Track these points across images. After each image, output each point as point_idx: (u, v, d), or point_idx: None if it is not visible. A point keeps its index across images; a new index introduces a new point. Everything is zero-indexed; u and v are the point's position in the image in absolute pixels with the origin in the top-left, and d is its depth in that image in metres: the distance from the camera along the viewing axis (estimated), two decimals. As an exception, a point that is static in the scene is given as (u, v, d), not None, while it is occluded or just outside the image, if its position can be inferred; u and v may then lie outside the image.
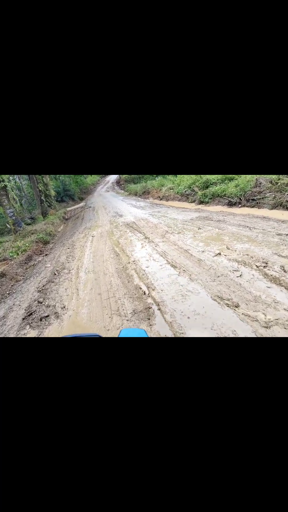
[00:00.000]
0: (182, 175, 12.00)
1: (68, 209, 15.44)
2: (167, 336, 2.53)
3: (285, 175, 6.80)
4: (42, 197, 13.91)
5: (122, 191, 19.18)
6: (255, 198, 7.49)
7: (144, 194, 14.64)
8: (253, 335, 2.26)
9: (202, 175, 10.29)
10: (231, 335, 2.28)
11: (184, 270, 3.95)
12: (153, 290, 3.55)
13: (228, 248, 4.45)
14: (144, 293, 3.52)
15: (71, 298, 3.94)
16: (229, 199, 8.15)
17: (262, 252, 4.00)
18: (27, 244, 8.55)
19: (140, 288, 3.67)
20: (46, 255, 7.84)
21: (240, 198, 7.76)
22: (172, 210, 9.11)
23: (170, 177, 13.76)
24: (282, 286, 3.03)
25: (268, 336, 2.23)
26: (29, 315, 3.70)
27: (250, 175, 7.90)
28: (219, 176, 9.46)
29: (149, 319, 2.94)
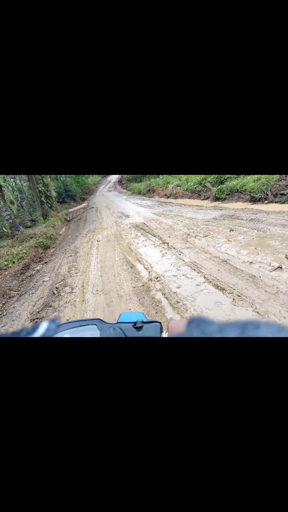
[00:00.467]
0: (190, 171, 10.60)
1: (70, 210, 14.02)
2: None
3: None
4: (43, 198, 12.47)
5: (125, 190, 17.70)
6: (284, 192, 6.12)
7: (149, 192, 13.21)
8: None
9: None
10: None
11: (238, 295, 2.58)
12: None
13: None
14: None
15: (75, 337, 2.59)
16: (252, 194, 6.78)
17: None
18: (24, 251, 7.18)
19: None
20: (46, 263, 6.49)
21: (266, 193, 6.38)
22: (186, 209, 7.71)
23: (176, 174, 12.32)
24: None
25: None
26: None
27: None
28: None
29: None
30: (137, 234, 5.90)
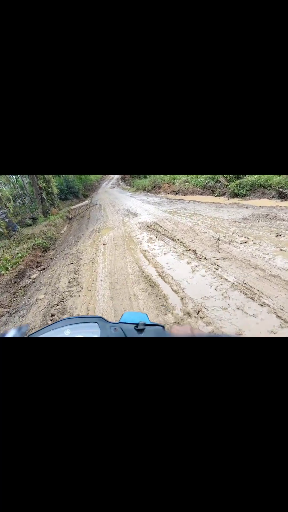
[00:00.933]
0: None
1: (73, 207, 12.68)
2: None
3: None
4: (43, 195, 11.16)
5: (129, 187, 16.32)
6: None
7: (154, 189, 11.91)
8: None
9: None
10: None
11: None
12: None
13: None
14: None
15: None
16: (280, 190, 5.55)
17: None
18: (19, 255, 5.97)
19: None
20: (44, 269, 5.30)
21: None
22: (202, 206, 6.47)
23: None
24: None
25: None
26: None
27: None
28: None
29: None
30: (151, 237, 4.69)
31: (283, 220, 3.94)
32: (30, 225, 10.40)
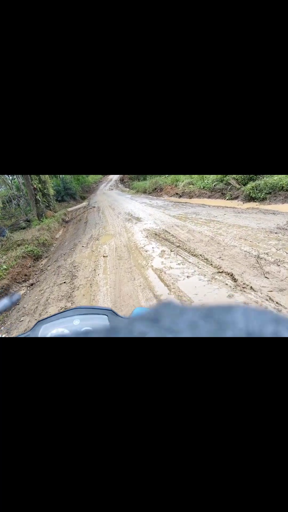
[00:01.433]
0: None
1: (69, 209, 11.47)
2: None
3: None
4: (38, 197, 9.96)
5: (128, 189, 15.15)
6: None
7: (156, 191, 10.81)
8: None
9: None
10: None
11: None
12: None
13: None
14: None
15: None
16: (310, 193, 4.53)
17: None
18: (4, 267, 4.81)
19: None
20: (32, 285, 4.17)
21: None
22: (216, 211, 5.40)
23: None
24: None
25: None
26: None
27: None
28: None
29: None
30: (163, 250, 3.59)
31: None
32: (24, 228, 9.21)
